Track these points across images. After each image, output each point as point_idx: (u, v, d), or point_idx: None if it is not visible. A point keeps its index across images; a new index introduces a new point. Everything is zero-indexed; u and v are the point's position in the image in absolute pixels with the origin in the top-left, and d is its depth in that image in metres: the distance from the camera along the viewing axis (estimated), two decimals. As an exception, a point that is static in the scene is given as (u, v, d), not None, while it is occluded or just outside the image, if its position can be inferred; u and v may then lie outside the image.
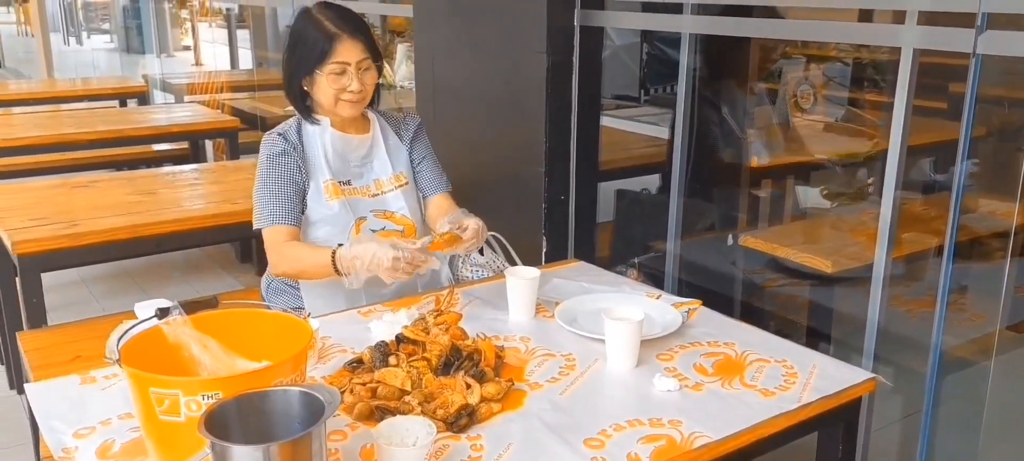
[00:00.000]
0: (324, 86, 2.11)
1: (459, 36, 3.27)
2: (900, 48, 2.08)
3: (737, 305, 3.13)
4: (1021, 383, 2.41)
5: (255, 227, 2.15)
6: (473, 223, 2.04)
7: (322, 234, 2.17)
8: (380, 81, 2.23)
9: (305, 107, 2.17)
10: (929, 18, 2.02)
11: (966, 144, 1.95)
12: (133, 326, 1.40)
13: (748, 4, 2.48)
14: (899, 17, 2.07)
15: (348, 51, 2.08)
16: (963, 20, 1.90)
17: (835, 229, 3.12)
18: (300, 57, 2.11)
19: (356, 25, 2.11)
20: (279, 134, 2.15)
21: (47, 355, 2.45)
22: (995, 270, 2.48)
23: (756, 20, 2.51)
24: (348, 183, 2.19)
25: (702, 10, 2.63)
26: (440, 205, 2.30)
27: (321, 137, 2.17)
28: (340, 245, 1.99)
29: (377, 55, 2.15)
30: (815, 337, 2.98)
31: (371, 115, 2.25)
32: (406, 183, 2.27)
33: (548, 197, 2.97)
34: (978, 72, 1.91)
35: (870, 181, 3.75)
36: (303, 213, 2.16)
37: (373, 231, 2.19)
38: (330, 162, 2.16)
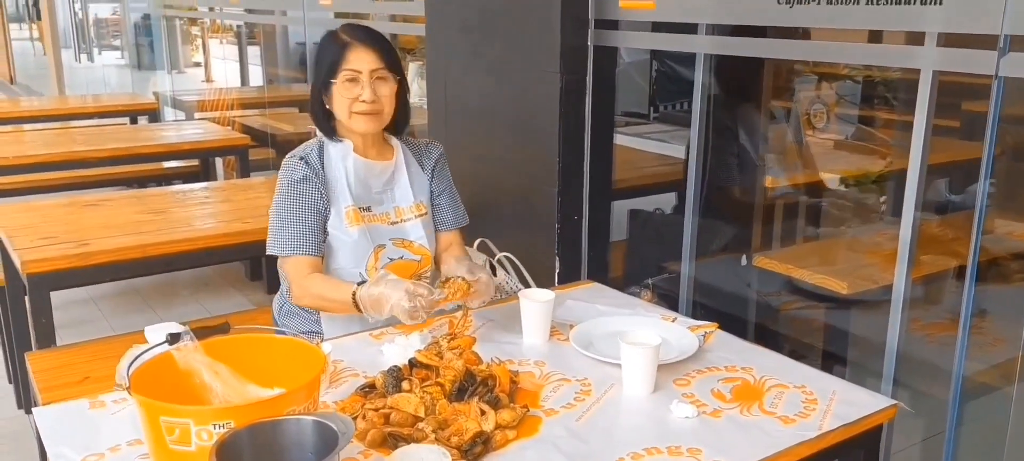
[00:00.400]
0: (339, 98, 2.09)
1: (472, 55, 3.26)
2: (919, 70, 2.06)
3: (751, 327, 3.10)
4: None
5: (271, 252, 2.12)
6: (484, 276, 2.01)
7: (341, 262, 2.14)
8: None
9: (329, 127, 2.15)
10: (949, 40, 1.99)
11: (989, 165, 1.92)
12: (144, 351, 1.38)
13: (763, 25, 2.46)
14: (917, 39, 2.05)
15: (359, 58, 2.06)
16: (984, 42, 1.87)
17: (850, 250, 3.09)
18: (319, 72, 2.11)
19: (370, 35, 2.10)
20: (301, 158, 2.12)
21: (56, 376, 2.43)
22: (1014, 293, 2.45)
23: (772, 41, 2.49)
24: (368, 209, 2.17)
25: (717, 31, 2.61)
26: (452, 241, 2.30)
27: (343, 161, 2.14)
28: (360, 283, 1.97)
29: (395, 67, 2.12)
30: (830, 360, 2.94)
31: (395, 142, 2.23)
32: (426, 213, 2.24)
33: (561, 217, 2.95)
34: (1000, 94, 1.88)
35: (883, 200, 3.72)
36: (325, 240, 2.14)
37: (391, 259, 2.16)
38: (352, 187, 2.13)
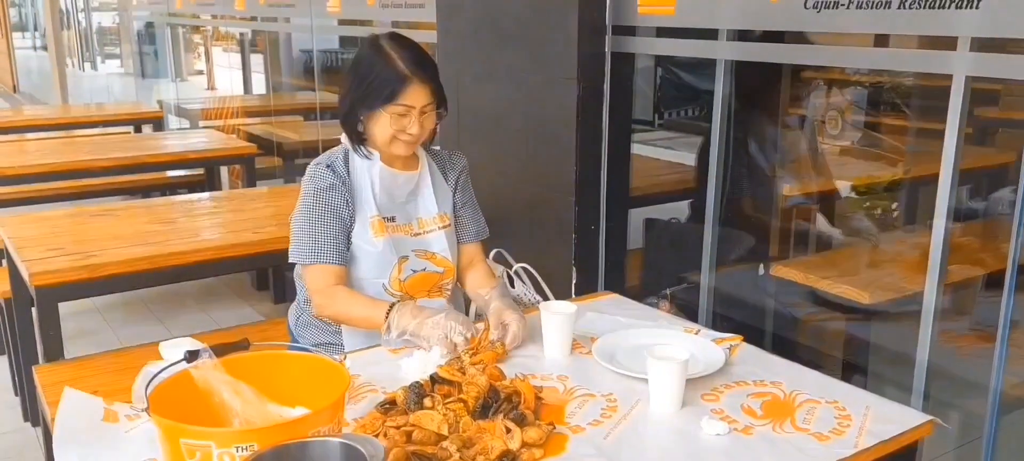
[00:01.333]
0: (384, 125, 2.03)
1: (486, 62, 3.22)
2: (951, 76, 2.01)
3: (769, 336, 3.05)
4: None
5: (293, 260, 2.09)
6: (515, 323, 1.96)
7: (363, 272, 2.10)
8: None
9: (359, 136, 2.10)
10: (982, 45, 1.95)
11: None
12: (161, 370, 1.33)
13: (783, 30, 2.42)
14: (950, 43, 2.00)
15: (416, 95, 2.00)
16: (1020, 47, 1.83)
17: (872, 258, 3.04)
18: (366, 91, 2.02)
19: (428, 69, 2.03)
20: (327, 166, 2.08)
21: (64, 390, 2.38)
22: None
23: (796, 47, 2.45)
24: (392, 219, 2.12)
25: (738, 36, 2.57)
26: (474, 255, 2.27)
27: (370, 171, 2.10)
28: (393, 305, 1.94)
29: (442, 101, 2.08)
30: (851, 371, 2.89)
31: (420, 152, 2.19)
32: (449, 224, 2.20)
33: (578, 227, 2.91)
34: (1041, 100, 1.84)
35: (895, 206, 3.68)
36: (348, 250, 2.09)
37: (414, 271, 2.13)
38: (377, 197, 2.09)
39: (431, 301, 2.17)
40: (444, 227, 2.18)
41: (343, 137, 2.14)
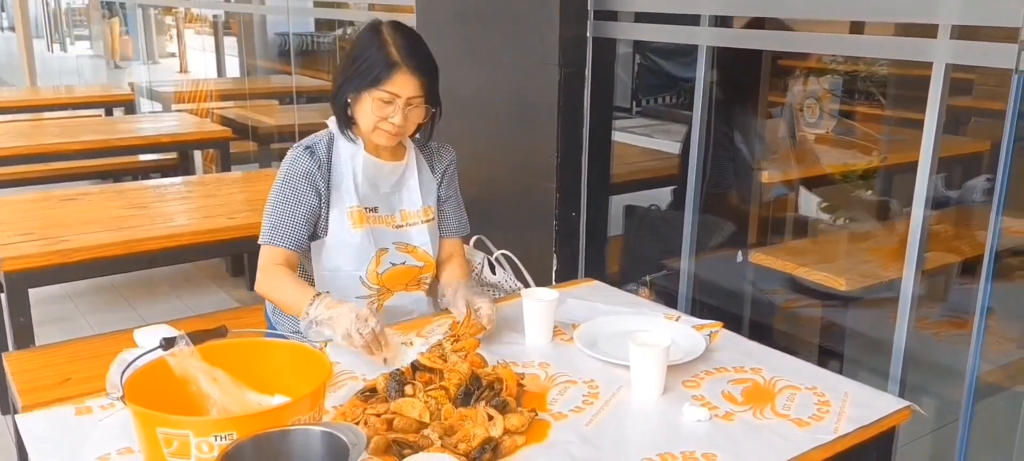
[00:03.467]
0: (367, 109, 1.99)
1: (466, 46, 3.19)
2: (931, 63, 2.02)
3: (747, 323, 3.07)
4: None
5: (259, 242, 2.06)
6: (486, 305, 1.93)
7: (340, 262, 2.07)
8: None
9: (346, 118, 2.06)
10: (963, 33, 1.95)
11: (1008, 161, 1.88)
12: (137, 357, 1.30)
13: (766, 16, 2.42)
14: (931, 31, 2.01)
15: (403, 84, 1.95)
16: (1002, 35, 1.83)
17: (849, 245, 3.07)
18: (355, 71, 1.99)
19: (420, 61, 1.97)
20: (306, 148, 2.04)
21: (35, 378, 2.35)
22: (1016, 289, 2.43)
23: (778, 33, 2.45)
24: (375, 210, 2.09)
25: (720, 22, 2.56)
26: (454, 250, 2.23)
27: (353, 159, 2.06)
28: (316, 296, 1.88)
29: (433, 98, 2.02)
30: (828, 356, 2.92)
31: (407, 142, 2.15)
32: (432, 218, 2.17)
33: (559, 214, 2.89)
34: (1021, 89, 1.85)
35: (869, 192, 3.71)
36: (312, 239, 2.06)
37: (393, 264, 2.10)
38: (359, 187, 2.06)
39: (409, 294, 2.15)
40: (427, 221, 2.15)
41: (330, 121, 2.10)
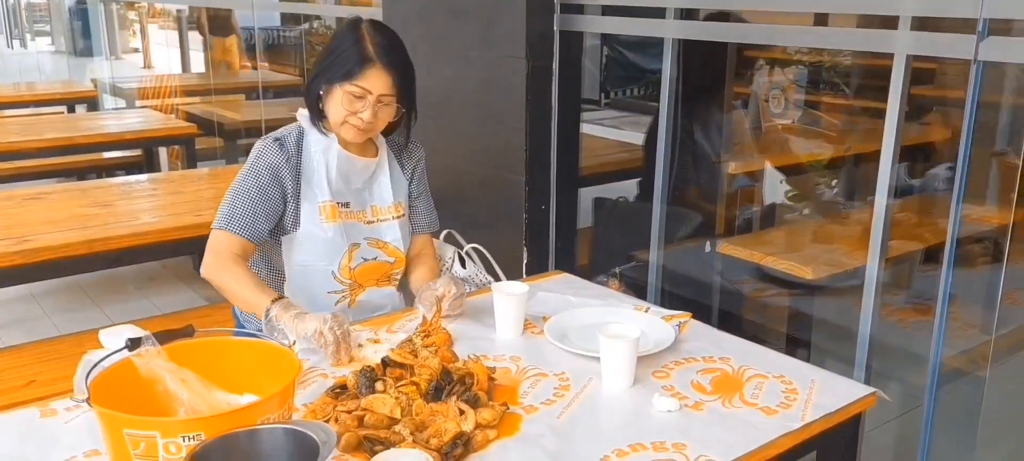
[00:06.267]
0: (336, 102, 1.97)
1: (433, 41, 3.18)
2: (892, 54, 2.05)
3: (716, 312, 3.10)
4: (1017, 392, 2.41)
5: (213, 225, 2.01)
6: (442, 284, 1.96)
7: (311, 258, 2.05)
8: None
9: (318, 110, 2.03)
10: (923, 24, 1.98)
11: (967, 150, 1.92)
12: (102, 359, 1.29)
13: (731, 9, 2.44)
14: (891, 22, 2.04)
15: (375, 81, 1.93)
16: (960, 26, 1.86)
17: (816, 234, 3.10)
18: (330, 64, 1.98)
19: (394, 60, 1.96)
20: (276, 140, 2.02)
21: (-1, 380, 2.31)
22: (977, 275, 2.48)
23: (742, 26, 2.47)
24: (346, 205, 2.07)
25: (685, 15, 2.58)
26: (423, 246, 2.23)
27: (326, 154, 2.04)
28: (279, 298, 1.87)
29: (405, 97, 2.01)
30: (795, 345, 2.96)
31: (379, 140, 2.13)
32: (403, 214, 2.17)
33: (529, 207, 2.90)
34: (980, 79, 1.88)
35: (835, 183, 3.76)
36: (281, 233, 2.04)
37: (364, 259, 2.08)
38: (331, 182, 2.04)
39: (380, 289, 2.14)
40: (398, 217, 2.15)
41: (300, 114, 2.07)
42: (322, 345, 1.76)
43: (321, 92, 2.00)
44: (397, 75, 1.96)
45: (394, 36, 2.02)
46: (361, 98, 1.95)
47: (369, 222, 2.11)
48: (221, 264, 1.96)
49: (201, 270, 2.01)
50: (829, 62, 3.76)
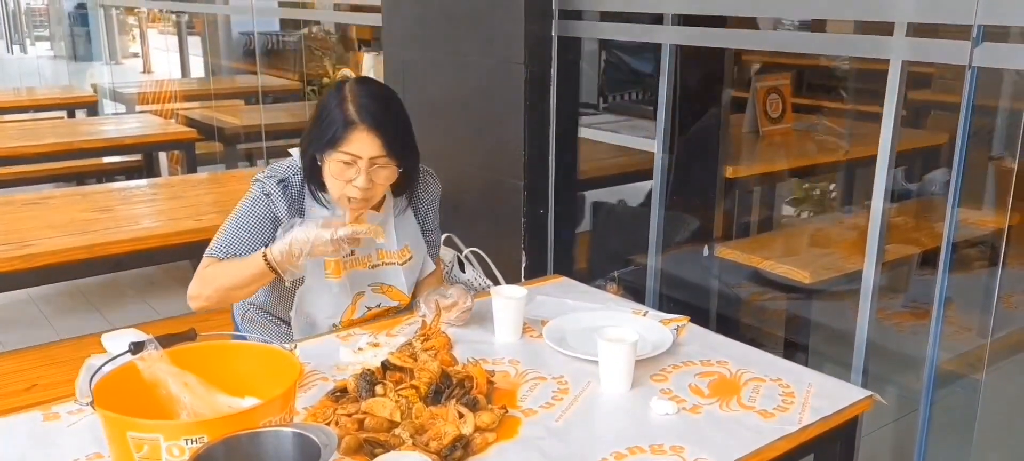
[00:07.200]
0: (330, 174, 1.89)
1: (432, 46, 3.20)
2: (888, 61, 2.07)
3: (714, 316, 3.11)
4: (1014, 395, 2.42)
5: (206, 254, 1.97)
6: (456, 293, 1.94)
7: (316, 309, 2.02)
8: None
9: (317, 181, 1.95)
10: (918, 30, 2.00)
11: (963, 154, 1.93)
12: (105, 363, 1.30)
13: (731, 15, 2.45)
14: (887, 29, 2.05)
15: (360, 144, 1.83)
16: (955, 32, 1.88)
17: (813, 238, 3.11)
18: (317, 132, 1.90)
19: (379, 117, 1.85)
20: (280, 182, 1.94)
21: (0, 384, 2.32)
22: (973, 279, 2.49)
23: (740, 31, 2.48)
24: (351, 253, 1.98)
25: (683, 21, 2.60)
26: (428, 282, 2.20)
27: (334, 212, 1.98)
28: (266, 246, 1.85)
29: (401, 155, 1.90)
30: (794, 349, 2.97)
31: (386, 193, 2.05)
32: (410, 258, 2.10)
33: (527, 211, 2.91)
34: (974, 85, 1.89)
35: (832, 187, 3.77)
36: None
37: (369, 308, 2.06)
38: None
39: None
40: (404, 262, 2.09)
41: (294, 153, 2.00)
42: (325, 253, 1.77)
43: (317, 160, 1.91)
44: (384, 133, 1.85)
45: (381, 92, 1.94)
46: (351, 164, 1.85)
47: (374, 266, 2.05)
48: (198, 279, 1.91)
49: (188, 293, 1.93)
50: (827, 67, 3.78)
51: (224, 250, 1.92)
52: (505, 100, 2.89)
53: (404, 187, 2.03)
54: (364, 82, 1.96)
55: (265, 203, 1.94)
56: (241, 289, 1.92)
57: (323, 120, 1.88)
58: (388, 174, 1.91)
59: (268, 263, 1.82)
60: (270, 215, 1.94)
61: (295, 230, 1.79)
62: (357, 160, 1.85)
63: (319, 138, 1.88)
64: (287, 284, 1.89)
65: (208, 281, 1.91)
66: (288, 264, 1.80)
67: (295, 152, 2.01)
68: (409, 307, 2.12)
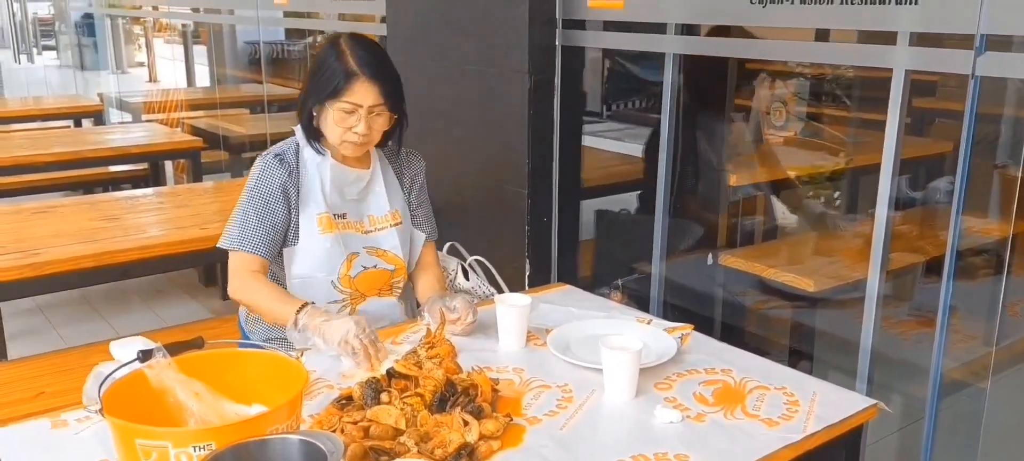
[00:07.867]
0: (330, 121, 2.03)
1: (436, 55, 3.21)
2: (891, 69, 2.07)
3: (718, 325, 3.11)
4: (1019, 404, 2.41)
5: (220, 244, 2.05)
6: (461, 304, 1.98)
7: (310, 267, 2.08)
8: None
9: (312, 130, 2.08)
10: (921, 39, 2.01)
11: (966, 162, 1.94)
12: (113, 370, 1.31)
13: (735, 24, 2.46)
14: (890, 38, 2.06)
15: (363, 93, 1.98)
16: (958, 42, 1.89)
17: (818, 246, 3.11)
18: (316, 84, 2.03)
19: (378, 69, 2.01)
20: (276, 156, 2.07)
21: (9, 392, 2.34)
22: (978, 287, 2.49)
23: (743, 41, 2.49)
24: (343, 216, 2.11)
25: (686, 31, 2.61)
26: (427, 257, 2.26)
27: (320, 168, 2.09)
28: (305, 305, 1.91)
29: (396, 104, 2.06)
30: (799, 357, 2.96)
31: (372, 152, 2.17)
32: (400, 222, 2.20)
33: (531, 219, 2.92)
34: (977, 94, 1.90)
35: (837, 195, 3.77)
36: (281, 250, 2.08)
37: (364, 267, 2.12)
38: (326, 195, 2.08)
39: (382, 299, 2.17)
40: (396, 225, 2.18)
41: (297, 129, 2.12)
42: (350, 354, 1.79)
43: (314, 112, 2.04)
44: (384, 84, 2.01)
45: (375, 46, 2.07)
46: (352, 113, 1.99)
47: (367, 231, 2.14)
48: (245, 283, 2.02)
49: (228, 292, 2.07)
50: (831, 74, 3.78)
51: (241, 241, 2.02)
52: (509, 108, 2.90)
53: (394, 133, 2.15)
54: (357, 37, 2.07)
55: (266, 178, 2.05)
56: (266, 316, 2.05)
57: (323, 73, 2.01)
58: (383, 121, 2.05)
59: (293, 321, 1.89)
60: (272, 190, 2.04)
61: (334, 323, 1.84)
62: (358, 108, 1.99)
63: (321, 90, 2.01)
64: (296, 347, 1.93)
65: (247, 293, 2.03)
66: (303, 340, 1.87)
67: (298, 129, 2.11)
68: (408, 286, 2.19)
